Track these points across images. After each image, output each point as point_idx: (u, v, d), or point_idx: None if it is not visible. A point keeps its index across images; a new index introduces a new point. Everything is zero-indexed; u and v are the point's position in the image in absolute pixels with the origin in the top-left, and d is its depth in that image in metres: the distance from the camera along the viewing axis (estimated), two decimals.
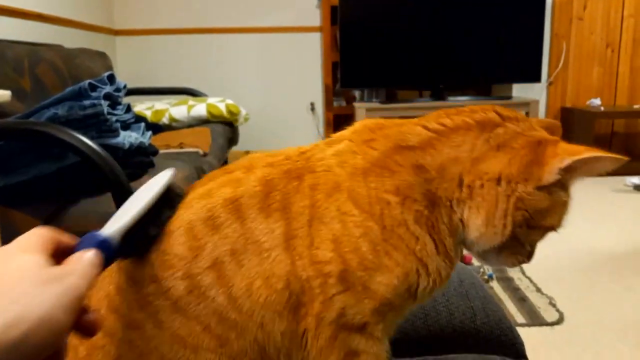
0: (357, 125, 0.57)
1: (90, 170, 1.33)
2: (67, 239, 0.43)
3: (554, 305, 1.84)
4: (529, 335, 1.65)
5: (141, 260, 0.51)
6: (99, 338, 0.51)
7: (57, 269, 0.38)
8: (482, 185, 0.50)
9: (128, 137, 1.54)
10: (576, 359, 1.53)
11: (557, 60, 4.04)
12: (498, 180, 0.50)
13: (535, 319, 1.76)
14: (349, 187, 0.50)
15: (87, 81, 1.43)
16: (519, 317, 1.76)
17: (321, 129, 4.23)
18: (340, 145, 0.55)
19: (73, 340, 0.53)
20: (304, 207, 0.50)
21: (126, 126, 1.63)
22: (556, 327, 1.71)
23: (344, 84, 3.71)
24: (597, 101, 3.97)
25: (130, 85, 3.11)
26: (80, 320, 0.41)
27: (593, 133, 3.71)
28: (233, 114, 2.84)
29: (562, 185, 0.51)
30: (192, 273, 0.50)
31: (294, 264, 0.49)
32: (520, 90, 4.03)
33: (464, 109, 0.55)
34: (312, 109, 4.17)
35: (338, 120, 4.17)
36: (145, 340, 0.50)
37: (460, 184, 0.51)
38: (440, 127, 0.53)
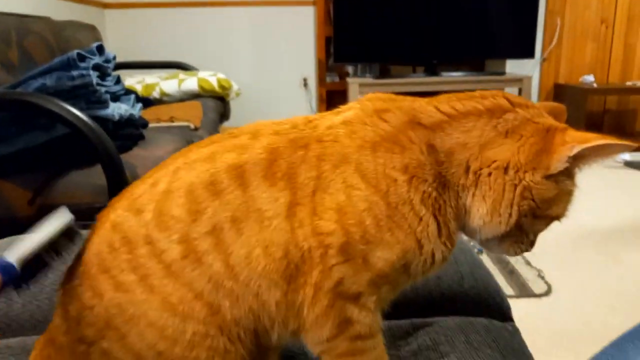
0: (369, 95, 0.56)
1: (80, 142, 1.32)
2: None
3: (542, 278, 1.86)
4: (517, 307, 1.66)
5: (136, 220, 0.51)
6: (89, 297, 0.51)
7: None
8: (489, 174, 0.50)
9: (118, 109, 1.52)
10: (563, 329, 1.56)
11: (551, 37, 4.02)
12: (506, 169, 0.50)
13: (523, 291, 1.78)
14: (357, 160, 0.49)
15: (76, 51, 1.41)
16: (507, 289, 1.79)
17: (314, 104, 4.20)
18: (349, 113, 0.54)
19: (64, 298, 0.53)
20: (310, 178, 0.49)
21: (116, 98, 1.61)
22: (544, 298, 1.73)
23: (337, 58, 3.68)
24: (590, 78, 3.97)
25: (120, 59, 3.07)
26: None
27: (585, 110, 3.72)
28: (224, 88, 2.82)
29: (568, 173, 0.51)
30: (189, 237, 0.49)
31: (295, 233, 0.49)
32: (513, 67, 4.01)
33: (474, 94, 0.54)
34: (305, 84, 4.15)
35: (331, 96, 4.15)
36: (135, 304, 0.49)
37: (467, 170, 0.51)
38: (452, 111, 0.52)
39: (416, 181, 0.49)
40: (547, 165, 0.49)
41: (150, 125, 2.01)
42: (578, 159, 0.50)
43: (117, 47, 3.79)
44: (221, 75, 2.85)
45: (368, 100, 0.55)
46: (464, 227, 0.54)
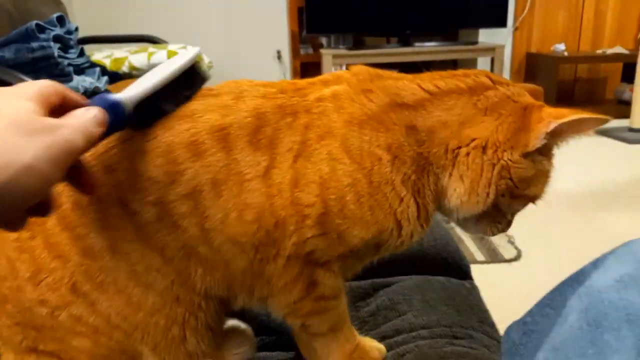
0: (357, 68, 0.56)
1: None
2: (75, 96, 0.42)
3: (512, 243, 1.90)
4: (487, 272, 1.71)
5: (107, 178, 0.48)
6: (47, 258, 0.49)
7: (50, 120, 0.37)
8: (467, 154, 0.50)
9: (82, 82, 1.50)
10: (533, 293, 1.57)
11: (523, 5, 4.02)
12: (484, 148, 0.50)
13: (494, 257, 1.82)
14: (344, 135, 0.49)
15: (34, 22, 1.37)
16: (478, 255, 1.82)
17: (288, 77, 4.17)
18: (338, 87, 0.53)
19: (11, 253, 0.50)
20: (294, 142, 0.49)
21: (80, 70, 1.58)
22: (514, 263, 1.77)
23: (309, 29, 3.64)
24: (561, 46, 4.00)
25: (87, 33, 3.00)
26: (77, 177, 0.42)
27: (557, 78, 3.76)
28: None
29: (546, 151, 0.51)
30: (166, 199, 0.48)
31: (272, 200, 0.48)
32: (486, 36, 4.01)
33: (457, 72, 0.54)
34: (279, 57, 4.10)
35: (305, 68, 4.11)
36: (104, 271, 0.49)
37: (447, 149, 0.51)
38: (434, 89, 0.52)
39: (398, 162, 0.49)
40: (525, 143, 0.50)
41: None
42: (555, 135, 0.50)
43: (85, 21, 3.69)
44: (191, 48, 2.80)
45: (355, 75, 0.55)
46: (440, 207, 0.54)
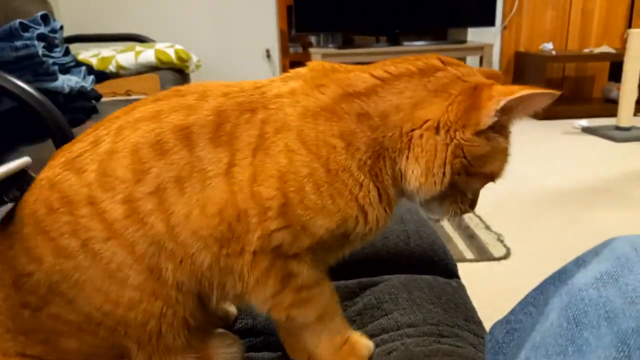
0: (313, 64, 0.57)
1: (28, 116, 1.27)
2: None
3: (501, 241, 1.91)
4: (477, 270, 1.72)
5: (77, 179, 0.50)
6: (24, 263, 0.50)
7: None
8: (421, 135, 0.51)
9: (68, 81, 1.48)
10: (522, 290, 1.59)
11: (512, 4, 4.05)
12: (436, 129, 0.50)
13: (483, 255, 1.82)
14: (299, 127, 0.50)
15: (18, 20, 1.35)
16: (467, 254, 1.83)
17: (277, 76, 4.16)
18: (295, 83, 0.54)
19: None
20: (252, 135, 0.50)
21: (66, 70, 1.56)
22: (503, 261, 1.78)
23: (298, 28, 3.64)
24: (549, 45, 4.03)
25: (74, 32, 2.97)
26: None
27: (545, 77, 3.78)
28: (183, 60, 2.75)
29: (500, 128, 0.52)
30: (133, 197, 0.49)
31: (234, 195, 0.49)
32: (475, 35, 4.03)
33: (408, 57, 0.55)
34: (268, 55, 4.09)
35: (294, 67, 4.10)
36: (79, 270, 0.49)
37: (401, 132, 0.51)
38: (385, 74, 0.53)
39: (352, 148, 0.50)
40: (477, 121, 0.50)
41: (107, 99, 1.96)
42: (506, 112, 0.50)
43: (72, 19, 3.66)
44: (179, 47, 2.79)
45: (311, 70, 0.56)
46: (403, 192, 0.54)
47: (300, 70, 0.57)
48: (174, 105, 0.52)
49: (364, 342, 0.58)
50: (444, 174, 0.51)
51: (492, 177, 0.54)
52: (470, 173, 0.52)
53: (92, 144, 0.52)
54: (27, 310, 0.51)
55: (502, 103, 0.49)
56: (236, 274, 0.51)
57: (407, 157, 0.51)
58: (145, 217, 0.49)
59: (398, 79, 0.52)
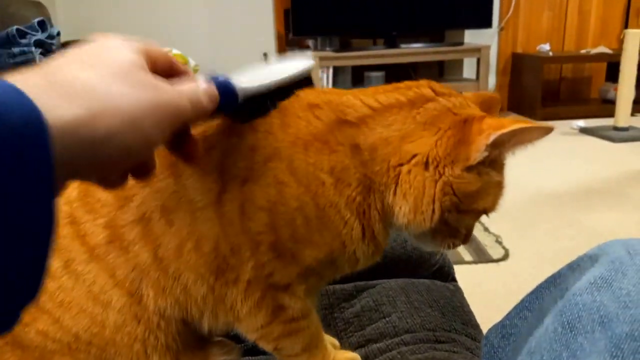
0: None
1: None
2: (184, 68, 0.40)
3: (500, 243, 1.91)
4: (476, 272, 1.72)
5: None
6: None
7: (158, 80, 0.35)
8: (409, 171, 0.48)
9: None
10: (519, 291, 1.58)
11: (508, 6, 4.05)
12: (425, 165, 0.48)
13: (482, 257, 1.82)
14: (289, 157, 0.48)
15: (15, 27, 1.36)
16: (466, 255, 1.83)
17: None
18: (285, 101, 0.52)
19: None
20: (241, 168, 0.48)
21: None
22: (501, 263, 1.78)
23: (296, 32, 3.65)
24: (546, 46, 4.03)
25: (72, 38, 2.97)
26: (182, 144, 0.40)
27: (542, 78, 3.79)
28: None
29: (492, 163, 0.49)
30: (116, 224, 0.48)
31: (225, 228, 0.48)
32: (472, 37, 4.04)
33: (400, 85, 0.53)
34: (266, 59, 4.10)
35: None
36: (63, 291, 0.49)
37: (388, 166, 0.49)
38: (376, 104, 0.50)
39: (341, 185, 0.48)
40: (467, 157, 0.48)
41: None
42: (497, 146, 0.48)
43: (69, 25, 3.66)
44: (176, 51, 2.79)
45: (299, 94, 0.53)
46: (395, 225, 0.52)
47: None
48: None
49: (350, 356, 0.58)
50: (433, 211, 0.48)
51: (484, 212, 0.52)
52: (461, 210, 0.50)
53: None
54: (17, 325, 0.50)
55: (492, 138, 0.47)
56: (228, 303, 0.51)
57: (395, 193, 0.49)
58: (129, 245, 0.48)
59: (388, 110, 0.50)
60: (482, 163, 0.48)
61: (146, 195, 0.47)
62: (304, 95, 0.52)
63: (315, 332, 0.56)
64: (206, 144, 0.49)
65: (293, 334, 0.53)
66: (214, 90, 0.39)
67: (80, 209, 0.48)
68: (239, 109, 0.44)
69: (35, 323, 0.50)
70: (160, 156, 0.47)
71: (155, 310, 0.50)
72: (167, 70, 0.38)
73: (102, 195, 0.48)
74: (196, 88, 0.38)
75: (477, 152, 0.47)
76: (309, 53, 0.55)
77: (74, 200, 0.49)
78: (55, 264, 0.48)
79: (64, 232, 0.48)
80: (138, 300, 0.49)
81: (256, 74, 0.46)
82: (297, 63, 0.49)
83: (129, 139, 0.31)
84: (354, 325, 0.65)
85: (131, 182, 0.46)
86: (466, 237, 0.54)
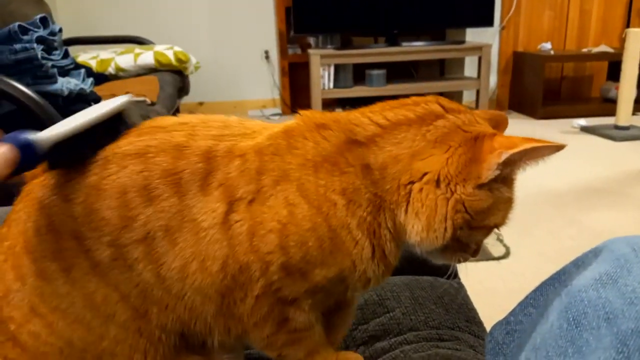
0: (304, 112, 0.54)
1: (27, 119, 1.27)
2: None
3: (501, 241, 1.91)
4: (477, 270, 1.72)
5: (64, 207, 0.49)
6: (11, 279, 0.50)
7: None
8: (420, 190, 0.48)
9: (67, 84, 1.48)
10: (520, 289, 1.59)
11: (510, 5, 4.05)
12: (436, 183, 0.48)
13: (483, 255, 1.82)
14: (299, 179, 0.48)
15: (17, 23, 1.35)
16: None
17: (276, 77, 4.16)
18: (290, 123, 0.52)
19: None
20: (248, 191, 0.48)
21: (65, 72, 1.56)
22: (503, 261, 1.78)
23: (297, 29, 3.64)
24: (547, 45, 4.03)
25: (73, 35, 2.97)
26: None
27: (543, 77, 3.79)
28: (182, 61, 2.76)
29: (503, 180, 0.49)
30: (120, 243, 0.48)
31: (234, 249, 0.48)
32: (473, 35, 4.04)
33: (407, 101, 0.52)
34: (267, 57, 4.10)
35: (293, 68, 4.11)
36: (59, 297, 0.49)
37: (399, 184, 0.49)
38: (384, 122, 0.50)
39: (353, 206, 0.48)
40: (478, 175, 0.47)
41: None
42: (508, 165, 0.48)
43: (70, 21, 3.66)
44: (178, 49, 2.79)
45: (305, 114, 0.53)
46: (404, 242, 0.52)
47: (294, 119, 0.54)
48: (161, 145, 0.50)
49: (352, 357, 0.58)
50: (445, 229, 0.48)
51: (495, 227, 0.52)
52: (473, 227, 0.50)
53: (78, 172, 0.50)
54: (12, 324, 0.51)
55: (504, 157, 0.46)
56: (236, 317, 0.51)
57: (406, 211, 0.49)
58: (133, 264, 0.48)
59: (397, 127, 0.49)
60: (493, 180, 0.48)
61: (150, 215, 0.48)
62: (310, 115, 0.52)
63: (319, 338, 0.56)
64: (209, 165, 0.49)
65: (296, 343, 0.54)
66: (11, 152, 0.40)
67: (85, 226, 0.48)
68: (51, 158, 0.46)
69: (27, 324, 0.50)
70: (163, 174, 0.48)
71: (158, 324, 0.50)
72: None
73: (106, 214, 0.48)
74: None
75: (489, 170, 0.47)
76: (129, 95, 0.54)
77: (79, 216, 0.49)
78: (52, 266, 0.49)
79: (67, 245, 0.49)
80: (142, 315, 0.50)
81: (67, 121, 0.47)
82: (108, 103, 0.50)
83: None
84: (358, 318, 0.65)
85: (135, 201, 0.48)
86: (475, 252, 0.54)
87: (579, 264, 0.42)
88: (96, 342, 0.50)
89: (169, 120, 0.54)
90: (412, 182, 0.48)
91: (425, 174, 0.48)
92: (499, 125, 0.56)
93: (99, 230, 0.48)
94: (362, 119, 0.51)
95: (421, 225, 0.48)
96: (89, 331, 0.50)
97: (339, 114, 0.53)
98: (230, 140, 0.51)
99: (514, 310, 0.47)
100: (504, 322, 0.47)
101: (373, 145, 0.49)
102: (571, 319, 0.36)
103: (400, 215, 0.49)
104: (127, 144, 0.51)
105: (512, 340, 0.45)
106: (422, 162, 0.48)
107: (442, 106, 0.51)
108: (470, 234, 0.50)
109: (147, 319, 0.50)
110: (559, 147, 0.47)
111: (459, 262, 0.54)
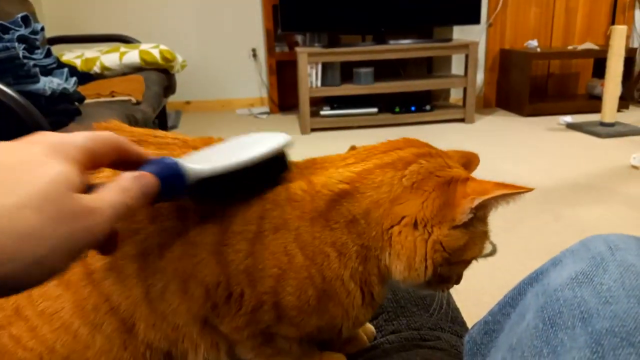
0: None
1: (9, 119, 1.26)
2: (136, 149, 0.37)
3: (487, 239, 1.92)
4: None
5: None
6: None
7: (82, 202, 0.31)
8: (399, 232, 0.50)
9: (49, 83, 1.46)
10: (507, 287, 1.60)
11: (496, 2, 4.07)
12: (415, 225, 0.50)
13: None
14: (297, 229, 0.49)
15: None
16: None
17: (264, 76, 4.15)
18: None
19: None
20: (250, 231, 0.49)
21: (47, 72, 1.55)
22: (489, 258, 1.79)
23: (284, 27, 3.63)
24: (534, 42, 4.05)
25: (57, 33, 2.94)
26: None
27: (530, 74, 3.81)
28: (168, 60, 2.74)
29: (477, 218, 0.51)
30: (116, 255, 0.48)
31: (228, 277, 0.49)
32: (460, 33, 4.05)
33: (377, 147, 0.55)
34: (254, 55, 4.08)
35: (281, 67, 4.10)
36: (48, 299, 0.49)
37: (382, 228, 0.51)
38: (360, 168, 0.52)
39: (344, 258, 0.50)
40: (452, 218, 0.50)
41: (91, 100, 1.94)
42: (481, 209, 0.50)
43: (55, 20, 3.63)
44: (164, 47, 2.77)
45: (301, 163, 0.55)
46: (389, 281, 0.54)
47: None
48: None
49: (336, 357, 0.59)
50: (426, 267, 0.51)
51: (473, 259, 0.54)
52: (452, 262, 0.52)
53: None
54: None
55: (476, 202, 0.49)
56: (222, 335, 0.52)
57: (390, 254, 0.51)
58: (126, 278, 0.49)
59: (372, 173, 0.52)
60: (468, 221, 0.50)
61: (151, 232, 0.48)
62: (303, 165, 0.53)
63: (306, 347, 0.57)
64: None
65: (283, 354, 0.55)
66: (152, 185, 0.37)
67: None
68: (196, 191, 0.42)
69: (10, 327, 0.50)
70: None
71: (144, 340, 0.51)
72: (114, 159, 0.36)
73: None
74: (127, 191, 0.35)
75: (463, 214, 0.49)
76: (284, 134, 0.50)
77: None
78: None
79: None
80: (129, 328, 0.50)
81: (220, 153, 0.44)
82: (268, 139, 0.47)
83: (30, 276, 0.29)
84: None
85: (141, 216, 0.48)
86: (457, 281, 0.56)
87: (557, 262, 0.42)
88: (81, 350, 0.50)
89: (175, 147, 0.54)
90: (392, 226, 0.50)
91: (404, 217, 0.50)
92: (471, 163, 0.58)
93: None
94: (344, 173, 0.52)
95: (403, 266, 0.51)
96: (74, 339, 0.49)
97: (324, 163, 0.54)
98: None
99: (492, 310, 0.47)
100: (482, 322, 0.48)
101: (356, 193, 0.51)
102: (547, 319, 0.36)
103: (384, 258, 0.51)
104: None
105: (490, 340, 0.45)
106: (400, 207, 0.50)
107: (413, 152, 0.53)
108: (450, 269, 0.52)
109: (133, 334, 0.50)
110: (528, 191, 0.50)
111: (443, 291, 0.57)
